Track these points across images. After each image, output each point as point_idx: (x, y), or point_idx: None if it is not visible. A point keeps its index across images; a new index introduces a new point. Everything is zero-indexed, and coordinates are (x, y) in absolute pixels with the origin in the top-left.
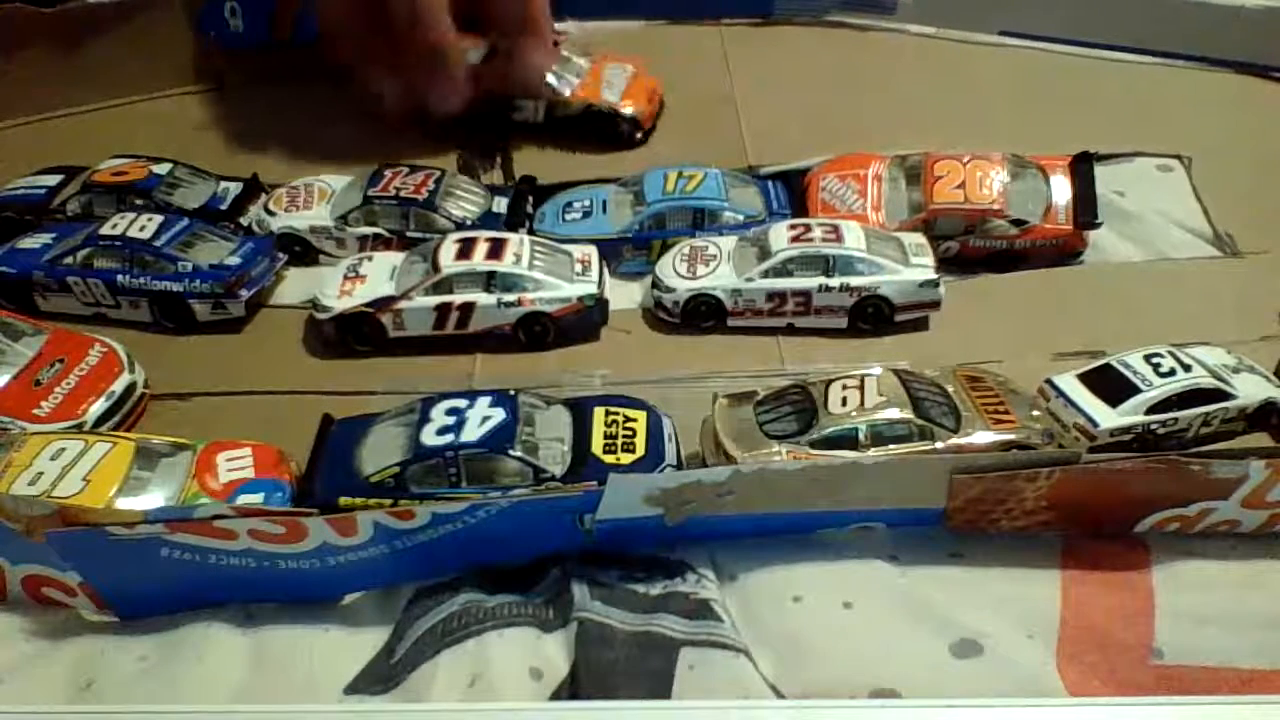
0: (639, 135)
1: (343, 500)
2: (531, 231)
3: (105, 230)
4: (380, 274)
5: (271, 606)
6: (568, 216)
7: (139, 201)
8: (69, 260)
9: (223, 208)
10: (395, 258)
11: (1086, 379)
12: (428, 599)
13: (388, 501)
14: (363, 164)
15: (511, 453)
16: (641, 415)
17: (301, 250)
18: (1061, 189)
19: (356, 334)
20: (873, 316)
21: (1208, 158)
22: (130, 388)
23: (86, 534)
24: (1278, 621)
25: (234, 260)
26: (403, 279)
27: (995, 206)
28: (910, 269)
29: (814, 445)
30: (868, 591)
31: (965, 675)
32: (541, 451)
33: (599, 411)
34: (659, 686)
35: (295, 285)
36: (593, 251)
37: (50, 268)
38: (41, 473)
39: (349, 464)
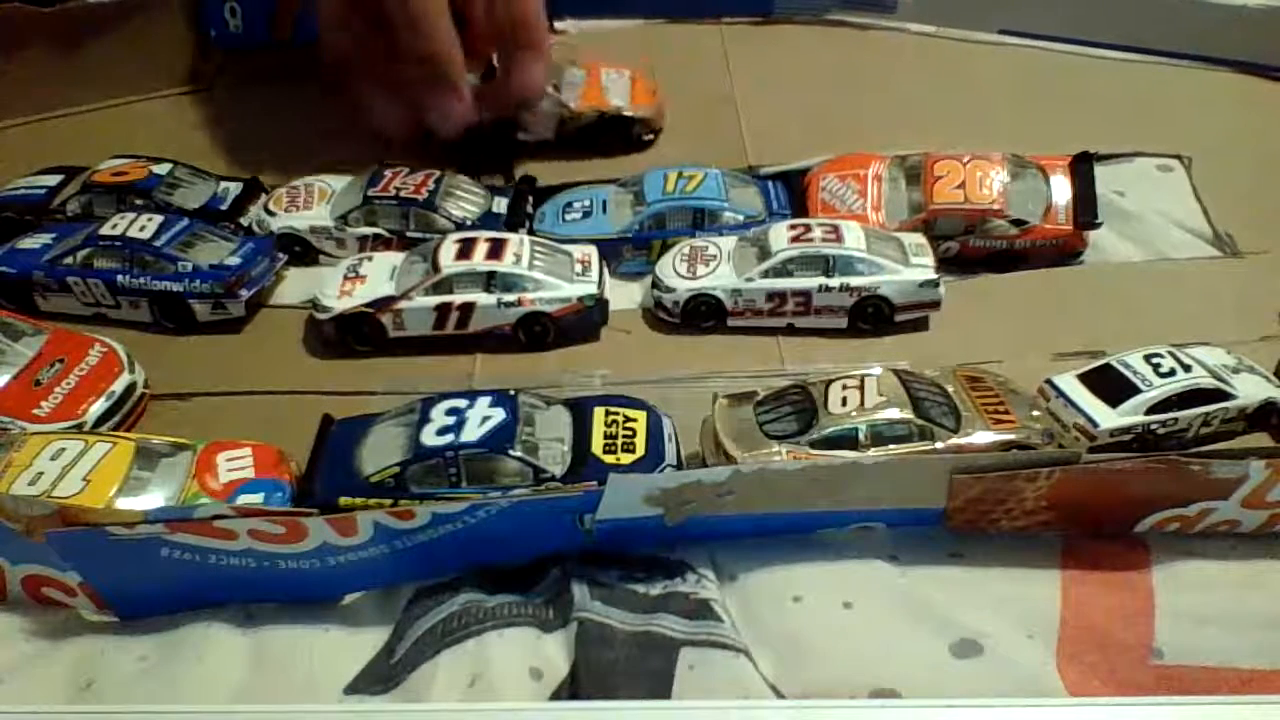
0: (649, 137)
1: (343, 500)
2: (531, 231)
3: (105, 230)
4: (380, 274)
5: (271, 606)
6: (568, 216)
7: (139, 201)
8: (69, 260)
9: (223, 208)
10: (395, 258)
11: (1086, 379)
12: (428, 599)
13: (388, 501)
14: (363, 164)
15: (511, 453)
16: (641, 415)
17: (301, 250)
18: (1061, 189)
19: (356, 334)
20: (873, 316)
21: (1208, 158)
22: (130, 388)
23: (86, 534)
24: (1278, 621)
25: (234, 260)
26: (403, 279)
27: (995, 206)
28: (910, 269)
29: (814, 445)
30: (868, 591)
31: (965, 675)
32: (541, 451)
33: (599, 411)
34: (659, 686)
35: (295, 285)
36: (593, 251)
37: (50, 268)
38: (41, 473)
39: (349, 464)
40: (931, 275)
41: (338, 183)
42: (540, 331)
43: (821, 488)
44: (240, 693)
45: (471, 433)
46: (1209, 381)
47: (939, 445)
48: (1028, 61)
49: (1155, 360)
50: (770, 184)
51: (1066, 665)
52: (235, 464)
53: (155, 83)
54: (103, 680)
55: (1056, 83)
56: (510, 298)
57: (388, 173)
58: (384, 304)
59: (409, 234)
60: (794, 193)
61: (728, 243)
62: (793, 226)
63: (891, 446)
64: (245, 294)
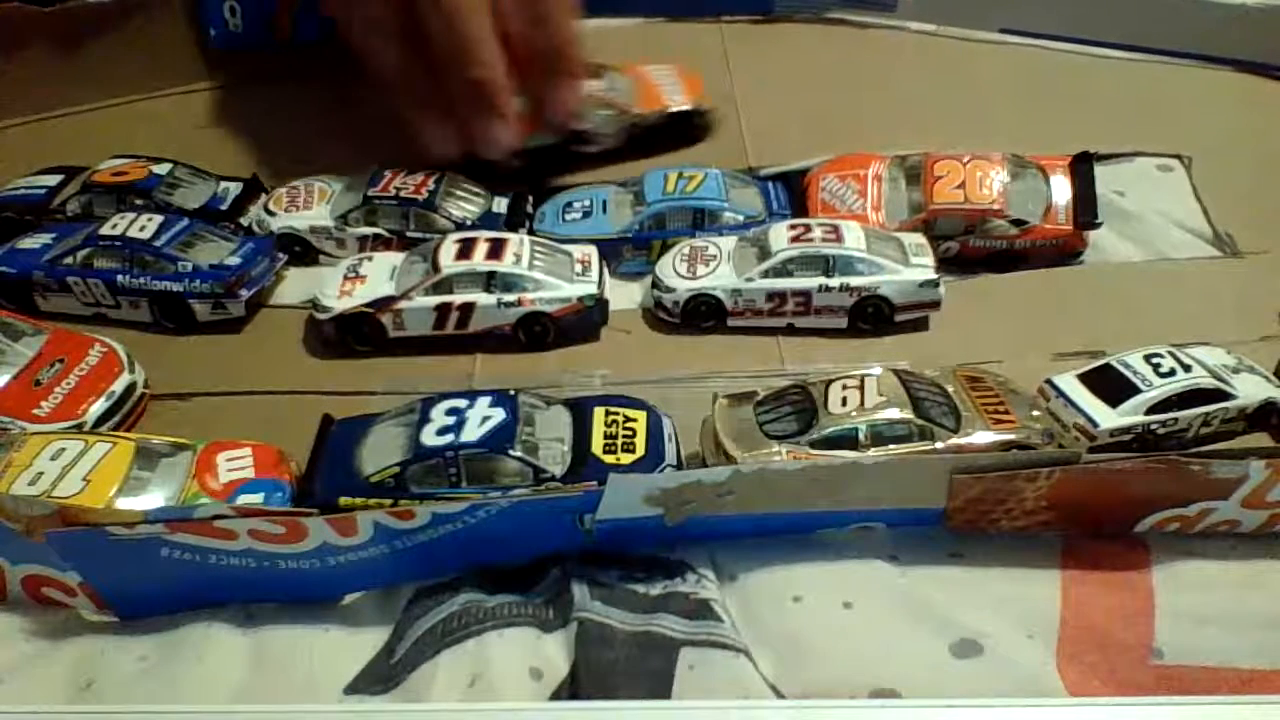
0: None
1: (343, 500)
2: (531, 231)
3: (105, 230)
4: (380, 274)
5: (271, 606)
6: (568, 216)
7: (139, 201)
8: (69, 260)
9: (223, 208)
10: (395, 258)
11: (1086, 379)
12: (428, 599)
13: (388, 501)
14: (363, 164)
15: (511, 453)
16: (641, 415)
17: (301, 250)
18: (1061, 189)
19: (356, 334)
20: (873, 316)
21: (1208, 158)
22: (130, 388)
23: (86, 534)
24: (1278, 621)
25: (234, 260)
26: (403, 279)
27: (995, 206)
28: (910, 269)
29: (814, 445)
30: (868, 591)
31: (965, 675)
32: (541, 451)
33: (599, 411)
34: (659, 686)
35: (295, 285)
36: (593, 251)
37: (50, 268)
38: (41, 473)
39: (349, 464)
40: (931, 275)
41: (338, 183)
42: (540, 331)
43: (821, 488)
44: (240, 693)
45: (471, 433)
46: (1209, 381)
47: (939, 445)
48: (1028, 61)
49: (1155, 360)
50: (770, 184)
51: (1066, 665)
52: (235, 464)
53: (155, 82)
54: (103, 680)
55: (1057, 82)
56: (510, 298)
57: (388, 173)
58: (384, 304)
59: (409, 234)
60: (794, 193)
61: (728, 243)
62: (793, 226)
63: (891, 446)
64: (245, 294)
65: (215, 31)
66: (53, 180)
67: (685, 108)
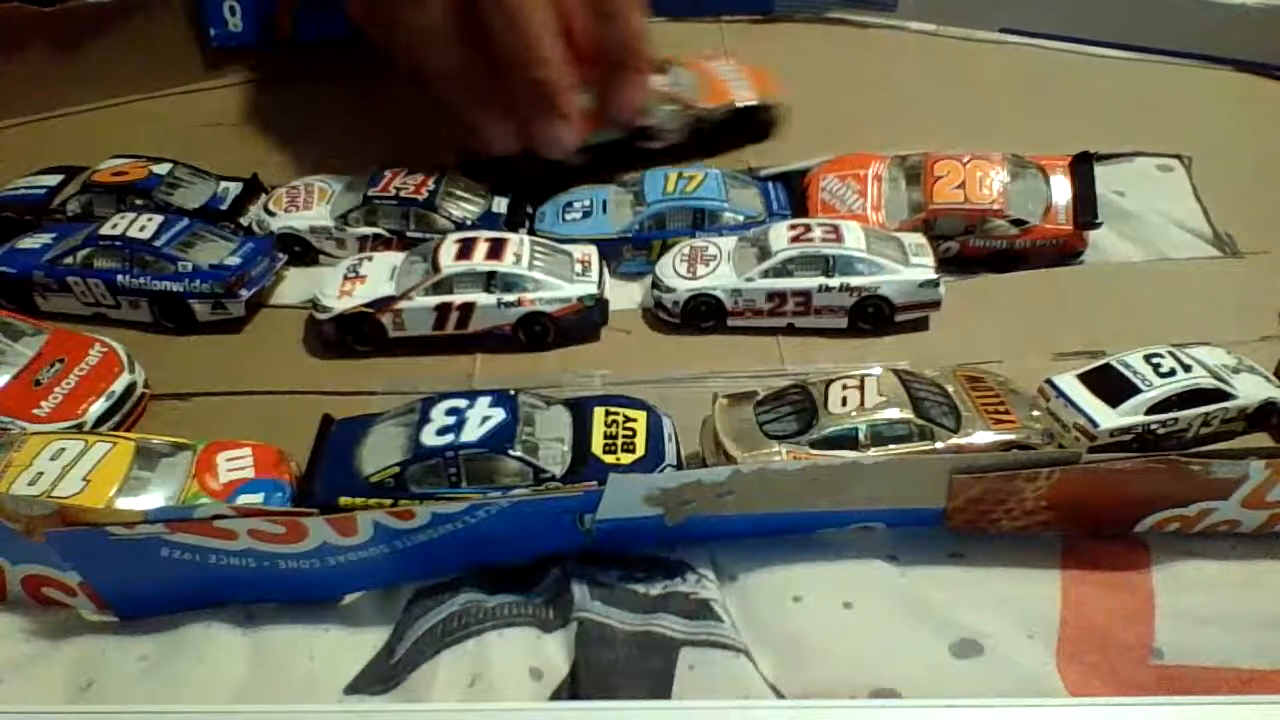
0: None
1: (343, 500)
2: (531, 231)
3: (105, 230)
4: (380, 274)
5: (271, 606)
6: (568, 216)
7: (139, 201)
8: (69, 260)
9: (223, 208)
10: (395, 258)
11: (1086, 379)
12: (428, 599)
13: (388, 501)
14: (363, 164)
15: (511, 453)
16: (641, 415)
17: (301, 250)
18: (1061, 189)
19: (356, 334)
20: (873, 316)
21: (1208, 158)
22: (130, 388)
23: (86, 534)
24: (1278, 621)
25: (234, 260)
26: (403, 279)
27: (995, 206)
28: (910, 269)
29: (814, 445)
30: (868, 591)
31: (965, 675)
32: (541, 451)
33: (599, 411)
34: (659, 686)
35: (295, 285)
36: (593, 251)
37: (50, 268)
38: (41, 473)
39: (349, 464)
40: (931, 275)
41: (337, 183)
42: (540, 331)
43: (821, 488)
44: (240, 692)
45: (471, 433)
46: (1209, 381)
47: (939, 445)
48: (1028, 60)
49: (1155, 360)
50: (770, 184)
51: (1066, 665)
52: (235, 464)
53: (155, 82)
54: (103, 680)
55: (1057, 81)
56: (510, 298)
57: (387, 173)
58: (384, 304)
59: (409, 234)
60: (794, 193)
61: (728, 243)
62: (793, 226)
63: (891, 446)
64: (245, 294)
65: (215, 31)
66: (53, 180)
67: (751, 103)
